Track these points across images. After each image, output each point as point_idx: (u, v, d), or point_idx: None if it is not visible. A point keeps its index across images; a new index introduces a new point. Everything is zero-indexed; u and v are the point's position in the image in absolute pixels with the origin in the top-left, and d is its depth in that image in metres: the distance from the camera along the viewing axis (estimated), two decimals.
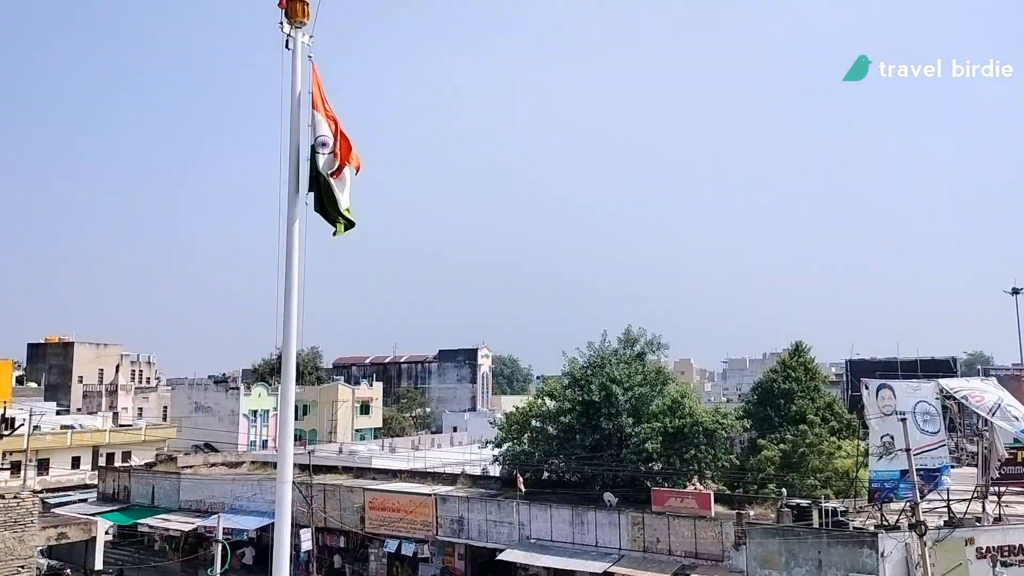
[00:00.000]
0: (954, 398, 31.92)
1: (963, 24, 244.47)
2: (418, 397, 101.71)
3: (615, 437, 37.37)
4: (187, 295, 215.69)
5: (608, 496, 35.36)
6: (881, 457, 29.84)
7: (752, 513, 32.88)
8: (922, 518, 26.84)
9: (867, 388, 31.90)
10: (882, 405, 30.33)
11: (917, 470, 27.55)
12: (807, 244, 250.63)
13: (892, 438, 28.98)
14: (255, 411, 76.37)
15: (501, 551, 36.41)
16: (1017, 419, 29.79)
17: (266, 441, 74.12)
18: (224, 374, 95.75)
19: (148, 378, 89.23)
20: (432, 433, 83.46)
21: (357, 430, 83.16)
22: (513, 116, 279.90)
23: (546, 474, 39.03)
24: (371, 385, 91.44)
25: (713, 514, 32.38)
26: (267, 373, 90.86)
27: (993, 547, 28.31)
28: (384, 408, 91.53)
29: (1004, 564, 27.05)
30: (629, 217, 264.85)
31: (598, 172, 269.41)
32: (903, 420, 27.53)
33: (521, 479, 37.38)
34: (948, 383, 33.02)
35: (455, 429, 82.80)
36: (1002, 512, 31.06)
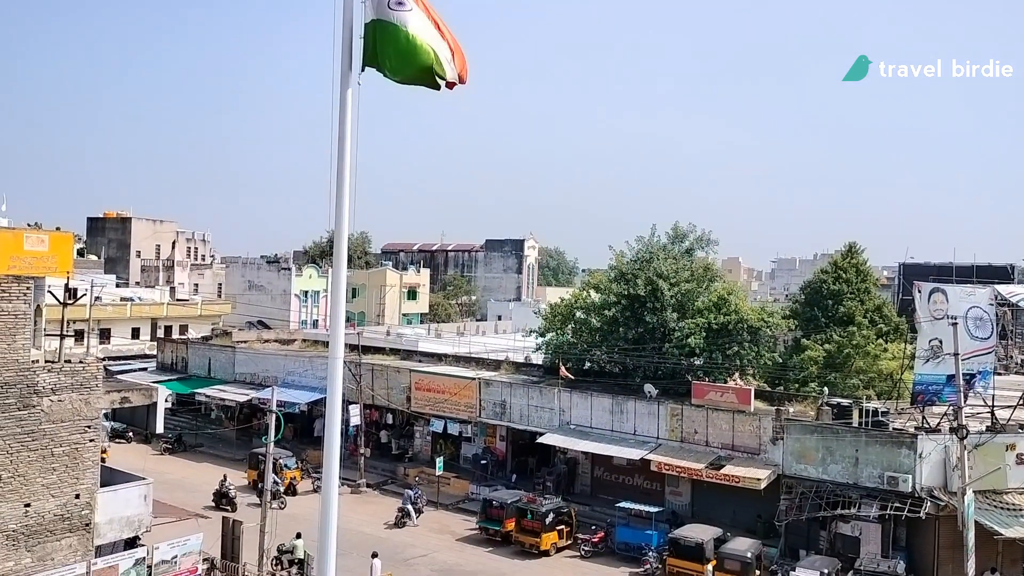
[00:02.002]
0: (1009, 304, 31.27)
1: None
2: (464, 285, 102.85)
3: (658, 331, 37.59)
4: (241, 177, 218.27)
5: (649, 387, 35.89)
6: (928, 361, 29.61)
7: (791, 410, 33.17)
8: (964, 422, 26.85)
9: (919, 292, 31.38)
10: (933, 309, 29.88)
11: (963, 375, 27.39)
12: (867, 143, 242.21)
13: (941, 342, 28.65)
14: (306, 292, 78.22)
15: (541, 434, 37.51)
16: None
17: (316, 321, 76.21)
18: (276, 255, 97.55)
19: (203, 255, 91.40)
20: (477, 321, 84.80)
21: (404, 314, 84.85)
22: (566, 5, 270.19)
23: (588, 364, 39.62)
24: (418, 271, 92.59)
25: (752, 409, 32.73)
26: (317, 256, 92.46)
27: None
28: (431, 295, 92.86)
29: None
30: (683, 111, 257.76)
31: (653, 63, 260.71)
32: (954, 324, 27.15)
33: (564, 368, 38.03)
34: (1004, 289, 32.32)
35: (499, 318, 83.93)
36: None
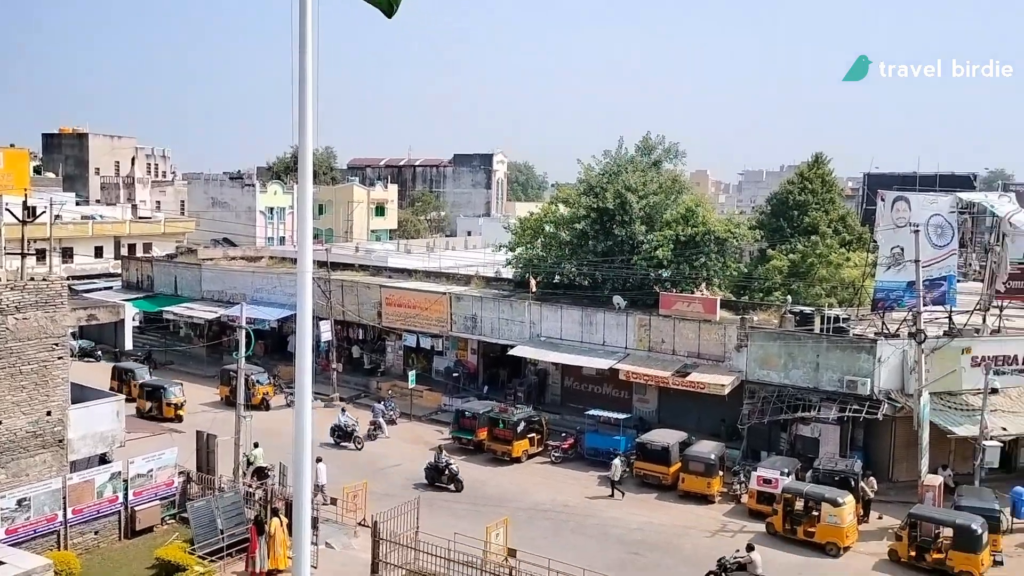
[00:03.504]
0: (969, 212, 31.81)
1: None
2: (433, 201, 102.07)
3: (627, 244, 37.81)
4: (202, 92, 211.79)
5: (618, 299, 36.33)
6: (889, 268, 30.22)
7: (756, 318, 33.85)
8: (922, 327, 27.67)
9: (883, 200, 31.77)
10: (896, 217, 30.31)
11: (923, 281, 28.06)
12: (833, 55, 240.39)
13: (902, 249, 29.19)
14: (271, 208, 77.21)
15: (512, 347, 38.01)
16: None
17: (283, 238, 75.51)
18: (240, 171, 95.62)
19: (164, 172, 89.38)
20: (446, 236, 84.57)
21: (372, 231, 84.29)
22: None
23: (557, 278, 39.90)
24: (386, 187, 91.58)
25: (718, 318, 33.35)
26: (282, 171, 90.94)
27: (988, 356, 29.26)
28: (399, 211, 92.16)
29: (997, 372, 28.05)
30: (652, 23, 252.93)
31: None
32: (916, 232, 27.71)
33: (534, 281, 38.28)
34: (966, 196, 32.82)
35: (469, 233, 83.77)
36: (1002, 324, 31.86)
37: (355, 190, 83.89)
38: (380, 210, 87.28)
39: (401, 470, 30.69)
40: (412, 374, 38.01)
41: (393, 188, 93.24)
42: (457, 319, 40.56)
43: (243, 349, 26.09)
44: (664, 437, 30.01)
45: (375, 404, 36.33)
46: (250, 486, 25.54)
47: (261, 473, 26.89)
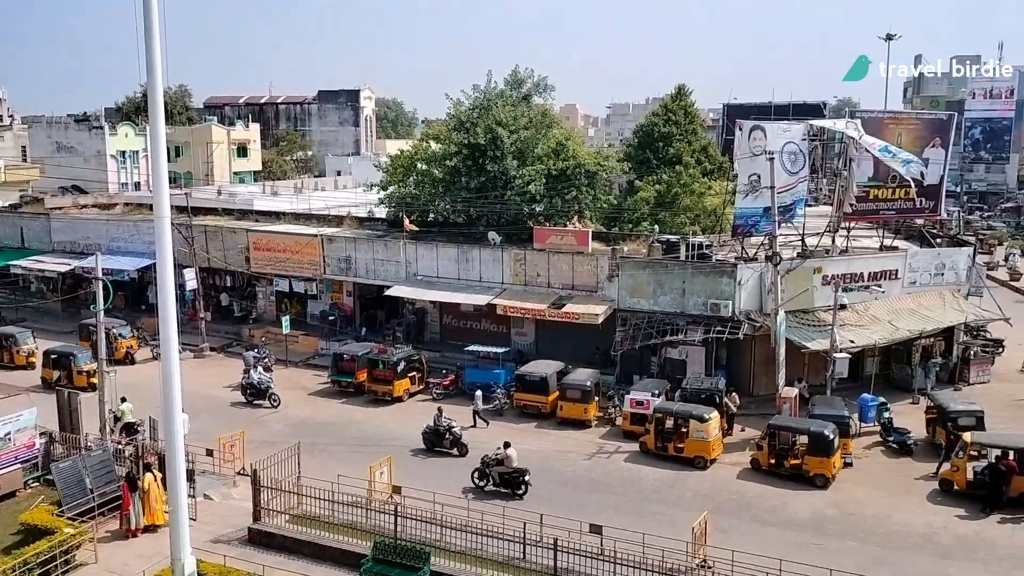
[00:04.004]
0: (820, 140, 33.55)
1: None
2: (298, 140, 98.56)
3: (500, 179, 37.87)
4: (39, 24, 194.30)
5: (492, 235, 36.53)
6: (747, 195, 31.62)
7: (626, 249, 34.86)
8: (778, 250, 29.28)
9: (741, 130, 33.03)
10: (753, 146, 31.61)
11: (778, 206, 29.57)
12: None
13: (759, 177, 30.56)
14: (123, 152, 72.55)
15: (389, 287, 37.71)
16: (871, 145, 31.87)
17: (138, 183, 71.33)
18: (85, 113, 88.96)
19: (0, 115, 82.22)
20: (315, 177, 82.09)
21: (236, 173, 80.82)
22: None
23: (432, 215, 39.66)
24: (247, 127, 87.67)
25: (590, 250, 34.16)
26: (132, 112, 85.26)
27: (838, 275, 31.38)
28: (263, 151, 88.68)
29: (846, 289, 30.13)
30: None
31: None
32: (771, 159, 29.03)
33: (408, 220, 37.90)
34: (817, 124, 34.56)
35: (339, 173, 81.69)
36: (849, 245, 34.11)
37: (214, 130, 79.88)
38: (242, 151, 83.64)
39: (280, 416, 30.22)
40: (286, 320, 37.16)
41: (255, 127, 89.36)
42: (330, 261, 39.76)
43: (101, 302, 24.74)
44: (542, 368, 30.78)
45: (244, 352, 35.39)
46: (119, 443, 24.57)
47: (130, 429, 25.89)
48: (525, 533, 18.81)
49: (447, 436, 26.48)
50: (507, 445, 23.86)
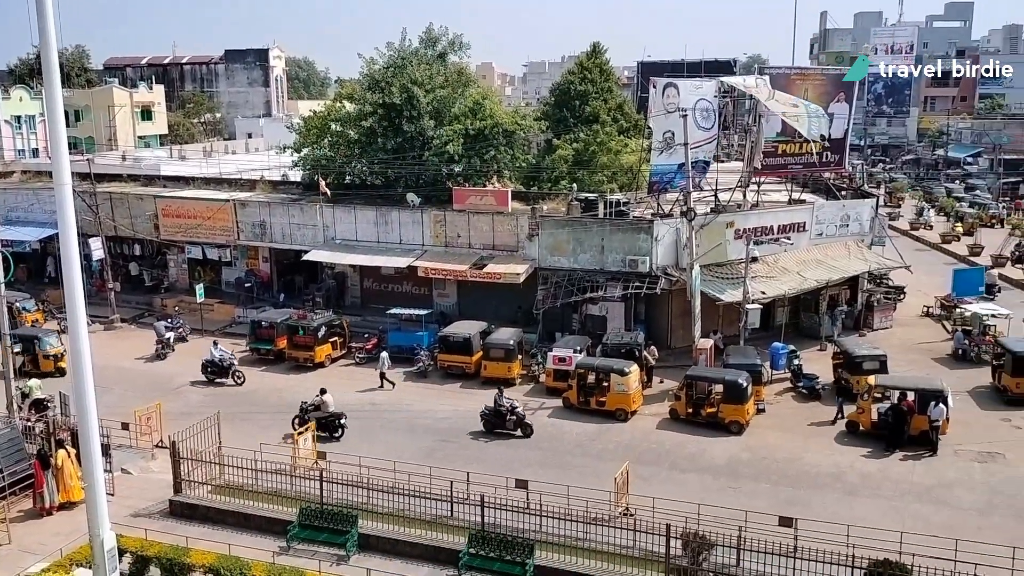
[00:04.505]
0: (730, 97, 34.22)
1: None
2: (205, 102, 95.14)
3: (417, 140, 37.42)
4: None
5: (411, 197, 36.18)
6: (662, 152, 32.15)
7: (545, 208, 35.05)
8: (692, 206, 29.92)
9: (655, 87, 33.41)
10: (667, 103, 32.06)
11: (691, 163, 30.16)
12: None
13: (673, 134, 31.08)
14: (18, 117, 68.64)
15: (306, 252, 37.07)
16: (780, 102, 32.70)
17: (36, 149, 67.74)
18: None
19: None
20: (225, 140, 79.51)
21: (140, 137, 77.61)
22: None
23: (348, 178, 39.00)
24: (151, 88, 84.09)
25: (510, 210, 34.23)
26: (26, 75, 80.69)
27: (749, 228, 32.29)
28: (168, 114, 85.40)
29: (756, 242, 31.05)
30: None
31: None
32: (684, 116, 29.50)
33: (324, 183, 37.17)
34: (728, 81, 35.20)
35: (250, 135, 79.30)
36: (759, 199, 35.08)
37: (115, 92, 76.38)
38: (146, 114, 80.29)
39: (197, 388, 29.59)
40: (200, 288, 36.17)
41: (159, 89, 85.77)
42: (244, 227, 38.78)
43: (0, 274, 23.61)
44: (465, 328, 30.89)
45: (157, 322, 34.37)
46: (29, 420, 23.68)
47: (40, 405, 24.96)
48: (452, 492, 19.05)
49: (510, 417, 24.97)
50: (323, 392, 25.28)
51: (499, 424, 25.12)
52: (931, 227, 56.04)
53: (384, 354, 29.74)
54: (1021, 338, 29.78)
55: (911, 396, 24.12)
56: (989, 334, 30.79)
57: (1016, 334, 30.41)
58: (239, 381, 29.81)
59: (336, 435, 24.65)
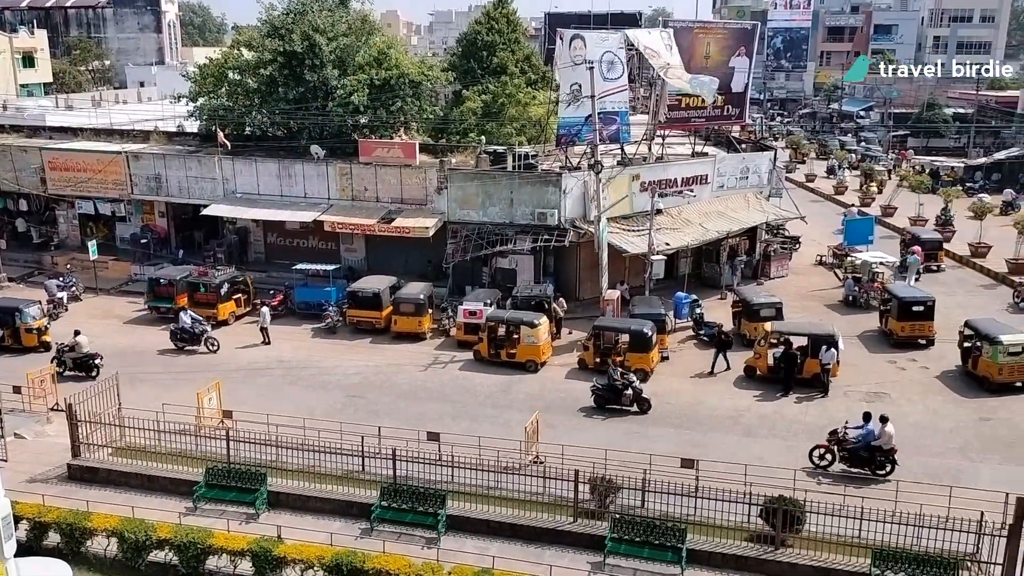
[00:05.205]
0: (636, 48, 34.46)
1: None
2: (93, 48, 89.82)
3: (320, 90, 36.35)
4: None
5: (315, 149, 35.25)
6: (569, 105, 32.21)
7: (454, 161, 34.76)
8: (599, 158, 30.20)
9: (562, 39, 33.35)
10: (574, 55, 32.05)
11: (599, 115, 30.36)
12: None
13: (580, 86, 31.15)
14: None
15: (206, 206, 35.81)
16: (679, 78, 33.29)
17: None
18: None
19: None
20: (115, 89, 75.45)
21: (23, 85, 72.80)
22: None
23: (249, 129, 37.64)
24: (32, 33, 78.75)
25: (418, 163, 33.78)
26: None
27: (654, 181, 32.87)
28: (53, 61, 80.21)
29: (661, 195, 31.66)
30: None
31: None
32: (591, 68, 29.58)
33: (222, 134, 35.81)
34: (632, 34, 35.41)
35: (142, 84, 75.43)
36: (664, 152, 35.69)
37: None
38: (28, 60, 75.27)
39: (94, 347, 28.43)
40: (92, 244, 34.59)
41: (42, 34, 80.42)
42: (138, 180, 37.13)
43: None
44: (374, 283, 30.59)
45: (47, 280, 32.75)
46: None
47: None
48: (363, 446, 19.03)
49: (627, 391, 23.15)
50: (77, 333, 26.20)
51: (614, 400, 23.30)
52: (846, 187, 54.67)
53: (264, 309, 29.19)
54: (907, 284, 31.55)
55: (804, 340, 25.25)
56: (878, 281, 32.40)
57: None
58: (213, 348, 27.98)
59: (92, 375, 25.17)
